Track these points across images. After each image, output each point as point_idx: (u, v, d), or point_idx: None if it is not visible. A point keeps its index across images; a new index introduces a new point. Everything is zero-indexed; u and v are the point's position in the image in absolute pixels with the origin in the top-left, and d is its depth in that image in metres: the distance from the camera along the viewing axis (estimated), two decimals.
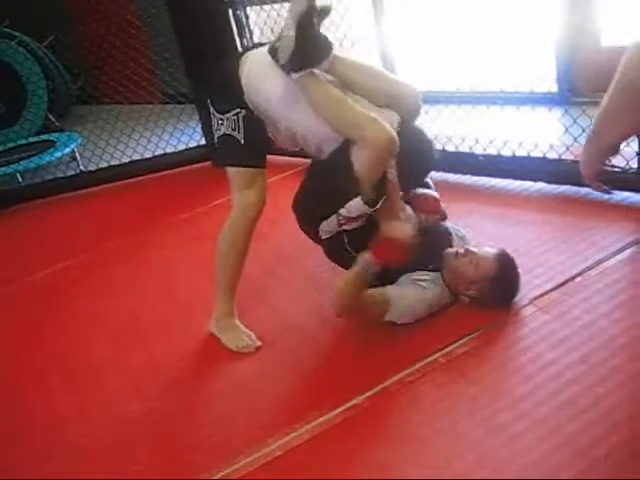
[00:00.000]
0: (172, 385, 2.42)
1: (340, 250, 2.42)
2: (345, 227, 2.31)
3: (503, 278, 2.35)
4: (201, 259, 3.06)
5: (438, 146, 3.40)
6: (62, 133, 5.43)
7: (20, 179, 4.84)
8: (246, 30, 4.60)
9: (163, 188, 4.36)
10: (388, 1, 4.21)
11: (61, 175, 4.73)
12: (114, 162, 4.71)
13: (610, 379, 1.96)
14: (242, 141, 2.31)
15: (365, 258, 2.22)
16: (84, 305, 3.10)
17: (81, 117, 6.32)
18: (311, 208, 2.38)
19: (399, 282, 2.40)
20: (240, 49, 4.39)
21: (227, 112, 2.31)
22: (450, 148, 3.43)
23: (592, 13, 3.70)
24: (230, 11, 4.32)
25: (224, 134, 2.33)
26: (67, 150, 4.97)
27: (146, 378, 2.47)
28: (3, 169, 4.88)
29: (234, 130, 2.29)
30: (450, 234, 2.57)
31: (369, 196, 2.18)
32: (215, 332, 2.56)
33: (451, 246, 2.50)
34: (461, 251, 2.40)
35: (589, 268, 2.50)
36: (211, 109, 2.38)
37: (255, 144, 2.33)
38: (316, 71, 2.17)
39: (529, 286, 2.45)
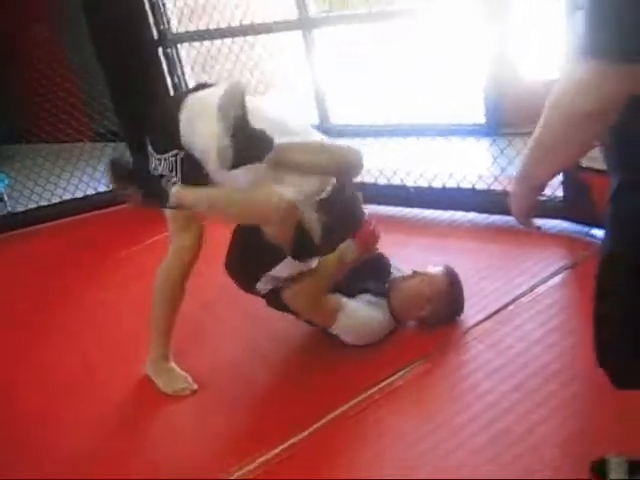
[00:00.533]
0: (110, 429, 2.35)
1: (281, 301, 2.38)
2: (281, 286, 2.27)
3: (455, 292, 2.43)
4: (137, 299, 2.98)
5: (370, 179, 3.46)
6: None
7: None
8: (178, 68, 4.60)
9: (96, 228, 4.27)
10: (318, 37, 4.29)
11: None
12: (43, 202, 4.59)
13: (544, 405, 2.00)
14: (179, 181, 2.25)
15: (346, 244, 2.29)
16: (15, 352, 2.98)
17: (9, 157, 6.16)
18: (242, 271, 2.35)
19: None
20: (171, 87, 4.37)
21: (165, 152, 2.25)
22: (382, 181, 3.47)
23: (517, 48, 3.84)
24: (160, 49, 4.29)
25: (161, 175, 2.30)
26: None
27: (83, 424, 2.39)
28: None
29: (171, 171, 2.24)
30: (389, 263, 2.62)
31: (291, 253, 2.15)
32: (150, 375, 2.50)
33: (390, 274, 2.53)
34: (409, 273, 2.44)
35: (521, 295, 2.55)
36: (149, 148, 2.34)
37: (192, 184, 2.26)
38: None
39: (462, 316, 2.48)
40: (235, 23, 4.45)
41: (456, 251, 2.98)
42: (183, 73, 4.75)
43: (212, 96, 2.09)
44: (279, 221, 2.06)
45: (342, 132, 4.10)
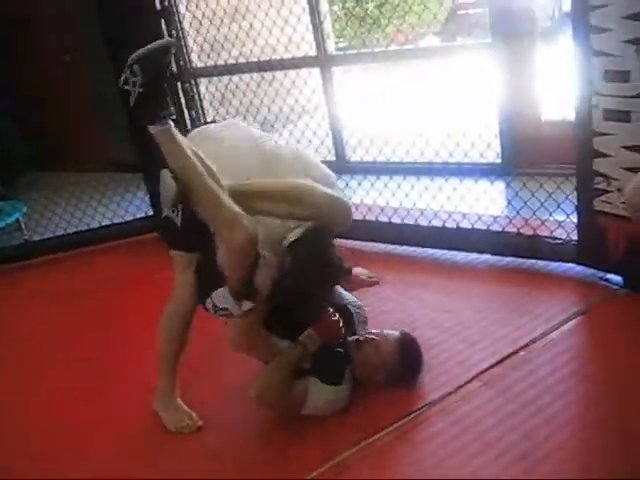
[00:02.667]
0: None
1: None
2: (220, 316, 2.18)
3: (408, 358, 2.38)
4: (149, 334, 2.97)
5: (384, 218, 3.46)
6: (6, 202, 5.32)
7: None
8: (197, 102, 4.65)
9: (109, 260, 4.27)
10: (337, 75, 4.32)
11: (4, 245, 4.62)
12: (59, 232, 4.62)
13: (554, 456, 1.95)
14: (179, 224, 2.26)
15: (307, 334, 2.24)
16: (17, 389, 2.97)
17: (29, 184, 6.22)
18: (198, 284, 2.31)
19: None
20: (189, 121, 4.41)
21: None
22: (395, 220, 3.45)
23: (533, 89, 3.84)
24: (179, 84, 4.34)
25: (165, 215, 2.29)
26: (11, 220, 4.86)
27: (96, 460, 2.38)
28: None
29: (173, 212, 2.25)
30: (352, 316, 2.53)
31: (234, 289, 2.07)
32: (157, 410, 2.50)
33: (354, 332, 2.47)
34: (361, 339, 2.40)
35: (534, 341, 2.51)
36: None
37: (192, 229, 2.23)
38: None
39: (473, 360, 2.45)
40: (253, 59, 4.52)
41: (468, 293, 2.95)
42: (202, 107, 4.81)
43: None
44: (241, 253, 2.00)
45: (357, 169, 4.12)
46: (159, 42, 1.99)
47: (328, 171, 2.39)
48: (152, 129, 2.00)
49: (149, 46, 1.97)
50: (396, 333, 2.42)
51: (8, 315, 3.71)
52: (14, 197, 5.54)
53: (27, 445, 2.53)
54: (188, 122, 4.42)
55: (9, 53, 6.03)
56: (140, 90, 1.98)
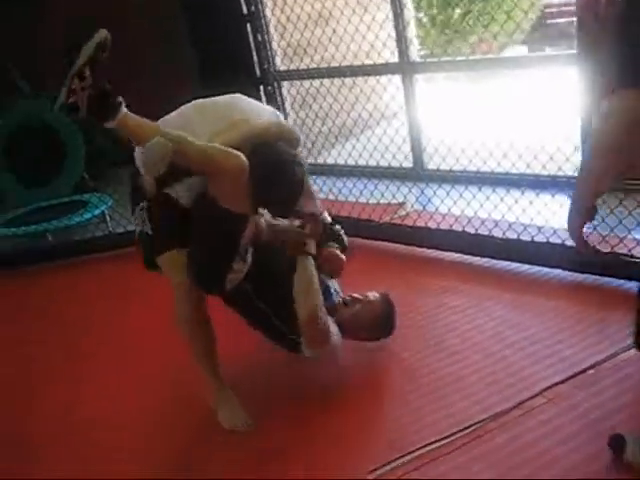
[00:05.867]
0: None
1: (245, 300, 2.49)
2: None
3: (390, 316, 2.69)
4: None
5: (458, 227, 3.44)
6: (94, 194, 5.53)
7: (50, 238, 4.94)
8: (279, 105, 4.74)
9: None
10: (418, 82, 4.32)
11: (90, 235, 4.81)
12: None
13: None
14: (150, 232, 2.38)
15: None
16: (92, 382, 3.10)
17: (116, 178, 6.43)
18: (211, 267, 2.36)
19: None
20: None
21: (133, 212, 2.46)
22: (470, 230, 3.43)
23: None
24: (261, 86, 4.43)
25: (139, 232, 2.44)
26: (97, 212, 5.07)
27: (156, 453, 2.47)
28: (34, 227, 4.99)
29: (142, 224, 2.40)
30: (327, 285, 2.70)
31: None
32: (213, 406, 2.55)
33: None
34: (348, 298, 2.63)
35: (602, 361, 2.46)
36: None
37: (168, 225, 2.37)
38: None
39: (538, 376, 2.42)
40: (335, 64, 4.57)
41: (538, 308, 2.91)
42: (284, 109, 4.90)
43: None
44: (230, 177, 2.19)
45: (433, 177, 4.12)
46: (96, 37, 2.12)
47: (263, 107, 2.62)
48: (111, 124, 2.13)
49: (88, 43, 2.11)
50: (377, 294, 2.67)
51: (90, 303, 3.88)
52: (101, 190, 5.77)
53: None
54: None
55: None
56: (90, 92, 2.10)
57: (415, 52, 4.45)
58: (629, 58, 1.33)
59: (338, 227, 2.76)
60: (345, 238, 2.75)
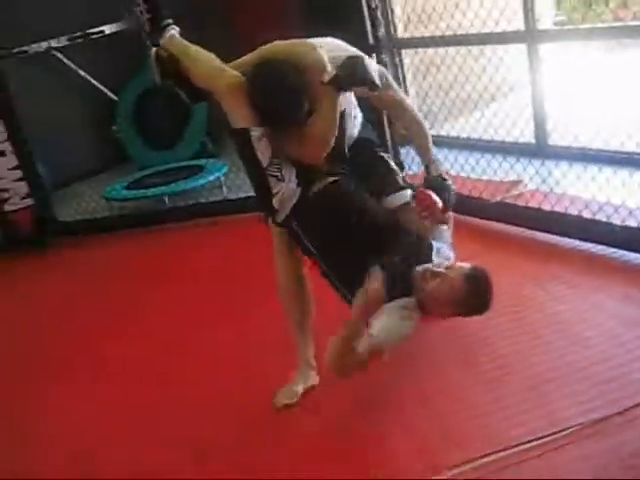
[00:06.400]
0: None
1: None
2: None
3: (478, 295, 2.33)
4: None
5: (573, 211, 3.22)
6: (212, 160, 5.64)
7: (167, 201, 5.09)
8: (399, 73, 4.62)
9: None
10: (547, 52, 4.06)
11: (204, 200, 4.91)
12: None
13: None
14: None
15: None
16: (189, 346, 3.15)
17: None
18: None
19: (386, 309, 2.29)
20: None
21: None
22: (586, 214, 3.20)
23: None
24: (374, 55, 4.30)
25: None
26: (213, 177, 5.16)
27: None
28: (153, 190, 5.16)
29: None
30: (431, 248, 2.46)
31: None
32: (291, 381, 2.56)
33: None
34: (429, 271, 2.32)
35: None
36: None
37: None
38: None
39: (624, 392, 2.22)
40: (461, 32, 4.36)
41: None
42: (404, 78, 4.78)
43: None
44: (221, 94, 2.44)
45: (555, 154, 3.88)
46: None
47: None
48: (163, 40, 2.63)
49: None
50: (467, 266, 2.36)
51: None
52: (220, 156, 5.88)
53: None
54: None
55: None
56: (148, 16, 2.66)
57: (549, 19, 4.17)
58: None
59: (449, 182, 2.63)
60: (452, 194, 2.62)
